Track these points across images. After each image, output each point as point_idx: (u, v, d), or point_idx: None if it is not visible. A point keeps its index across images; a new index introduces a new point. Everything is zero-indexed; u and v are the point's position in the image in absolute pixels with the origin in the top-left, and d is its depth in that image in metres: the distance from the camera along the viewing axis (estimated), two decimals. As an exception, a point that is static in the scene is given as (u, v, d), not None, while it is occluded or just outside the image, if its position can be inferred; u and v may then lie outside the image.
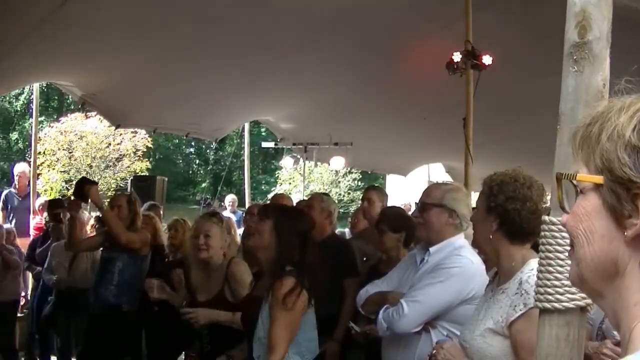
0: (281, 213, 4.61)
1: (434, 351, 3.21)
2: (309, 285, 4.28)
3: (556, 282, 2.08)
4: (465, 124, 7.87)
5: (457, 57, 8.11)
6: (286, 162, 22.11)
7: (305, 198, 9.78)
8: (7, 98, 37.83)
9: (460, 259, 3.88)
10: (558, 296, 2.07)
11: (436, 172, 18.63)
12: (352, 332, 5.31)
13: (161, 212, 10.11)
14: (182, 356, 7.63)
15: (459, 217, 3.97)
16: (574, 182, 1.31)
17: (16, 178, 12.46)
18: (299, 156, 17.00)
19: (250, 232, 6.64)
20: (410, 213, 6.69)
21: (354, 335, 5.33)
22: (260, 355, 4.30)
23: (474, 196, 4.48)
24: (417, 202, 4.20)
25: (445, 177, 16.34)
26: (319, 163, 18.56)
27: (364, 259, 6.72)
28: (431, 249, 4.04)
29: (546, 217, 2.14)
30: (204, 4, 7.92)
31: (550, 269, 2.09)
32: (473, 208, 3.64)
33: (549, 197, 2.54)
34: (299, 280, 4.18)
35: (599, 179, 1.23)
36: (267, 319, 4.23)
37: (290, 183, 29.85)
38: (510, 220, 3.12)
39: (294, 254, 4.29)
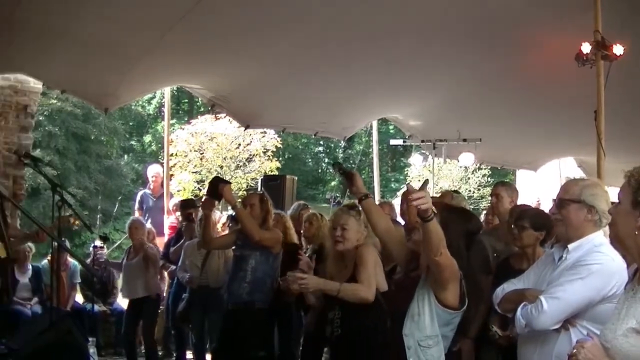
0: (450, 212, 4.62)
1: (574, 350, 3.15)
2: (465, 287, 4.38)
3: None
4: (596, 117, 7.69)
5: (586, 48, 7.92)
6: (415, 159, 22.10)
7: (436, 195, 9.74)
8: (140, 102, 39.04)
9: (601, 255, 3.77)
10: None
11: (567, 167, 18.14)
12: (495, 337, 5.22)
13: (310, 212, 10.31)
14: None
15: (598, 213, 3.85)
16: None
17: (151, 179, 12.92)
18: (427, 153, 16.91)
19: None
20: (548, 210, 6.58)
21: (497, 340, 5.25)
22: (410, 333, 4.36)
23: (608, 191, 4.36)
24: (555, 198, 4.12)
25: (577, 172, 15.95)
26: (448, 159, 18.37)
27: (494, 255, 6.64)
28: (570, 246, 3.93)
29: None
30: (332, 4, 8.01)
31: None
32: (612, 203, 3.54)
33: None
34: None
35: None
36: (423, 297, 4.33)
37: (419, 180, 29.57)
38: (659, 216, 3.00)
39: (459, 255, 4.33)
